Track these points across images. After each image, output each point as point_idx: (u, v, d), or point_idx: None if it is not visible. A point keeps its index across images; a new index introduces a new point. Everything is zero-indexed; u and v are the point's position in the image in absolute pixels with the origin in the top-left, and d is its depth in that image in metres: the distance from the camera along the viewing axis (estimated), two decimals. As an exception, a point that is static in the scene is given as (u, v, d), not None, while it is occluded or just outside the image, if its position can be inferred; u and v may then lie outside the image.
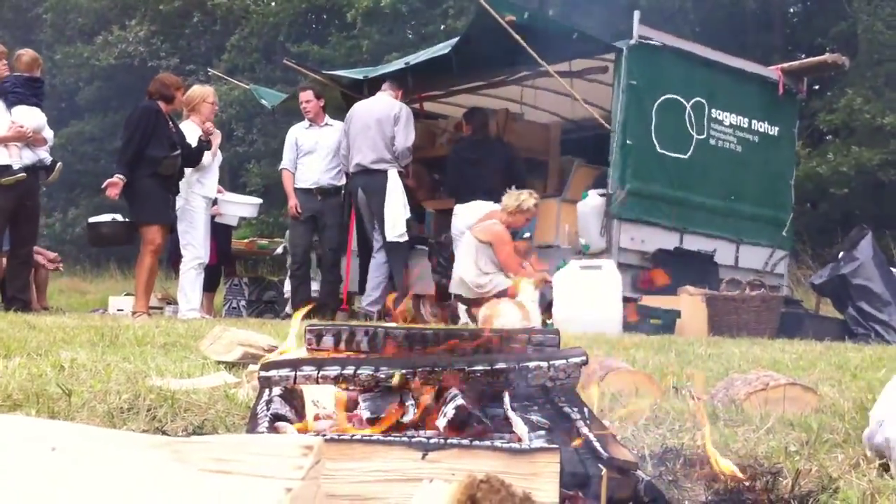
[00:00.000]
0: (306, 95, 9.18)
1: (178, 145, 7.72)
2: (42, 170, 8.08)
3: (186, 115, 8.49)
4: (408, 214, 8.62)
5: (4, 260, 8.25)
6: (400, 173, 8.74)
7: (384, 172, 8.59)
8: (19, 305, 7.64)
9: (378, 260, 8.68)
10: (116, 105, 24.93)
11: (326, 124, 9.24)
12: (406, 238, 8.59)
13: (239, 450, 1.06)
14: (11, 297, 7.87)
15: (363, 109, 8.88)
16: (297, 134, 9.23)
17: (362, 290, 8.99)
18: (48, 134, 8.14)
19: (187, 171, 8.02)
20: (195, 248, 8.15)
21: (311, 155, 9.04)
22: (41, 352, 3.77)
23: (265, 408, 1.83)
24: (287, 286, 9.66)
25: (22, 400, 2.48)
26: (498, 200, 8.08)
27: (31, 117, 7.88)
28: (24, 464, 1.03)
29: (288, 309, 9.36)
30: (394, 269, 8.64)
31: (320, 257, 9.41)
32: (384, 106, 8.74)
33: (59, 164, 8.17)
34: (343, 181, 9.15)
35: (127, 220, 8.09)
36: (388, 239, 8.50)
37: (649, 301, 8.07)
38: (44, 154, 8.03)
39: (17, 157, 7.78)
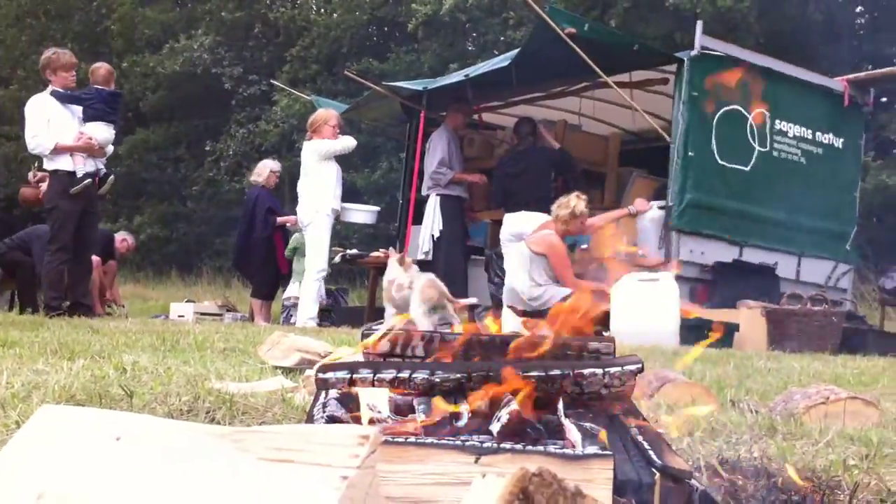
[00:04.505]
0: None
1: None
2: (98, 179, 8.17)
3: (309, 137, 8.96)
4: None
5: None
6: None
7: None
8: (83, 310, 7.73)
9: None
10: (181, 114, 25.33)
11: None
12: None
13: (298, 440, 1.09)
14: (74, 302, 7.92)
15: None
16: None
17: None
18: (109, 148, 8.23)
19: (312, 188, 8.65)
20: (320, 260, 8.70)
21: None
22: (104, 355, 3.82)
23: (321, 410, 1.85)
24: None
25: (84, 400, 2.53)
26: (548, 210, 7.93)
27: (101, 133, 7.97)
28: (90, 452, 1.06)
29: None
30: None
31: None
32: None
33: (111, 177, 8.28)
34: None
35: None
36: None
37: (706, 314, 7.95)
38: (101, 165, 8.13)
39: (82, 165, 7.88)
